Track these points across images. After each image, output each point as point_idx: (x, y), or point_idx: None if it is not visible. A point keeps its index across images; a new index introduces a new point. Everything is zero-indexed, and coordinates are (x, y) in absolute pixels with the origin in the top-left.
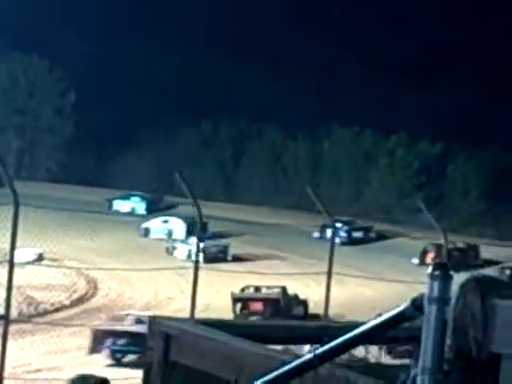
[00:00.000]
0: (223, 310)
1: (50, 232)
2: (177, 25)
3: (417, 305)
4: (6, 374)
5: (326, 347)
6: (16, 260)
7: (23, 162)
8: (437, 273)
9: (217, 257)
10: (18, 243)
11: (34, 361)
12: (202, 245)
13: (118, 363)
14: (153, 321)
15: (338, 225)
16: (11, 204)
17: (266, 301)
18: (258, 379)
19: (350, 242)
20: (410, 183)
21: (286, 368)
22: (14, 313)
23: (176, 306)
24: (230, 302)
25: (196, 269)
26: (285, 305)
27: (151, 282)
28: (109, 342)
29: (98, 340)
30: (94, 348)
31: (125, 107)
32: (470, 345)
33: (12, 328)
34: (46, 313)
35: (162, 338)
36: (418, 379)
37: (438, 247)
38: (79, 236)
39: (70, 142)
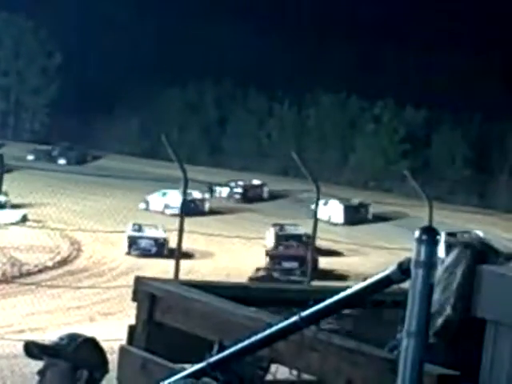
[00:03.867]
0: None
1: None
2: None
3: (403, 268)
4: None
5: (312, 310)
6: (0, 221)
7: (8, 124)
8: (424, 237)
9: None
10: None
11: (16, 322)
12: None
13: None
14: (138, 281)
15: None
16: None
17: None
18: (243, 340)
19: None
20: (396, 150)
21: (271, 330)
22: None
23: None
24: None
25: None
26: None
27: None
28: None
29: None
30: None
31: (110, 70)
32: (447, 309)
33: None
34: (29, 274)
35: (147, 299)
36: (403, 343)
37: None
38: None
39: (55, 103)
